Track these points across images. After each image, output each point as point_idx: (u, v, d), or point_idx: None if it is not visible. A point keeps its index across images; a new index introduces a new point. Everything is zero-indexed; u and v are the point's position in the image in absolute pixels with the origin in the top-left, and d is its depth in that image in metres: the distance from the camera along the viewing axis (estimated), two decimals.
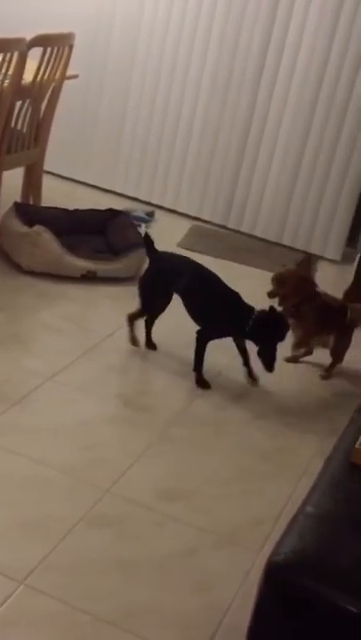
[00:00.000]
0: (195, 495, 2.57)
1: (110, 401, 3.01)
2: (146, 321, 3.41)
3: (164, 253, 3.41)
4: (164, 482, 2.61)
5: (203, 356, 3.23)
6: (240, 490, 2.65)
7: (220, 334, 3.24)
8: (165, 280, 3.33)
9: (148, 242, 3.35)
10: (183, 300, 3.28)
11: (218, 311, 3.23)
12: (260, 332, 3.11)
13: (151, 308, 3.38)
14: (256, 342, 3.15)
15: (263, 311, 3.13)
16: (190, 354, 3.29)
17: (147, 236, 3.39)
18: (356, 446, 1.98)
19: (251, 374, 3.29)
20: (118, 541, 2.31)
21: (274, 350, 3.14)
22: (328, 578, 1.59)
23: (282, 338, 3.16)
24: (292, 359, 3.51)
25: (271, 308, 3.15)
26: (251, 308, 3.15)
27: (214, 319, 3.24)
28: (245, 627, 1.69)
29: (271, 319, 3.12)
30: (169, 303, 3.36)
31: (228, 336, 3.24)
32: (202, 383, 3.24)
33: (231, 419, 3.07)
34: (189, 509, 2.50)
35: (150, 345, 3.44)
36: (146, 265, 4.09)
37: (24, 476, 2.50)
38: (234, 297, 3.21)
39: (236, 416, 3.10)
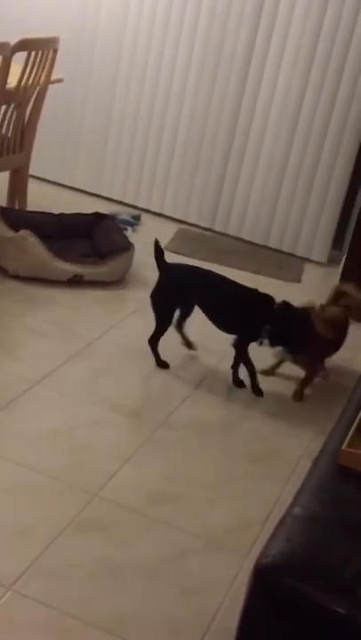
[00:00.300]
0: (183, 499, 2.57)
1: (97, 405, 3.00)
2: (177, 329, 3.40)
3: (175, 264, 3.38)
4: (152, 485, 2.60)
5: (243, 360, 3.25)
6: (228, 493, 2.65)
7: (250, 333, 3.21)
8: (179, 291, 3.32)
9: (158, 252, 3.27)
10: (202, 309, 3.28)
11: (240, 312, 3.23)
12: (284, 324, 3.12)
13: (167, 322, 3.33)
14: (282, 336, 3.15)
15: (284, 304, 3.16)
16: (178, 357, 3.28)
17: (157, 245, 3.28)
18: (343, 448, 1.99)
19: (256, 387, 3.29)
20: (107, 546, 2.30)
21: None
22: (316, 579, 1.60)
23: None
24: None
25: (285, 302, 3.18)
26: (270, 302, 3.16)
27: (238, 321, 3.24)
28: (235, 630, 1.69)
29: (293, 314, 3.14)
30: (191, 311, 3.35)
31: (257, 334, 3.18)
32: (237, 383, 3.29)
33: (218, 421, 3.08)
34: (177, 513, 2.49)
35: (189, 345, 3.46)
36: (132, 268, 4.12)
37: (11, 482, 2.49)
38: (251, 294, 3.21)
39: (222, 419, 3.10)
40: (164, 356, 3.36)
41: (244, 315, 3.22)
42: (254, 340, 3.20)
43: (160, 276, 3.30)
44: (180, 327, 3.42)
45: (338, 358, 3.52)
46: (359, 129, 4.66)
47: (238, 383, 3.30)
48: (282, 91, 4.71)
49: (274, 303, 3.17)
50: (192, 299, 3.31)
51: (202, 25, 4.75)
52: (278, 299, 3.23)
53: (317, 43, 4.56)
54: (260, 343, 3.18)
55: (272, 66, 4.70)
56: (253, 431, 3.04)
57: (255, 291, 3.24)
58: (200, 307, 3.30)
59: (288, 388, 3.37)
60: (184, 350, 3.50)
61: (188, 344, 3.47)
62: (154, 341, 3.33)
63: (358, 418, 2.14)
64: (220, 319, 3.25)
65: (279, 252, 4.96)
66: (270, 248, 4.99)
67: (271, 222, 4.96)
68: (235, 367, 3.29)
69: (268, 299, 3.20)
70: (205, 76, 4.85)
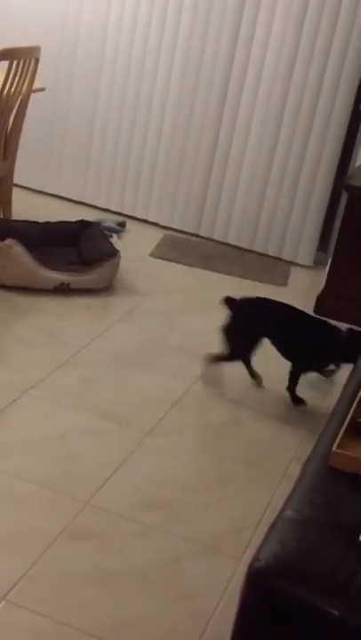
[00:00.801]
0: (174, 504, 2.57)
1: (87, 413, 3.00)
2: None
3: (245, 300, 3.34)
4: (144, 492, 2.60)
5: (296, 381, 3.29)
6: (220, 497, 2.66)
7: (321, 362, 3.23)
8: (250, 326, 3.29)
9: (229, 303, 3.25)
10: (272, 342, 3.26)
11: (313, 346, 3.23)
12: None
13: (240, 354, 3.32)
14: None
15: (351, 331, 3.18)
16: (164, 363, 3.28)
17: (228, 300, 3.26)
18: (334, 449, 2.00)
19: (294, 397, 3.32)
20: (99, 553, 2.30)
21: None
22: (309, 582, 1.60)
23: None
24: None
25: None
26: (341, 332, 3.18)
27: (311, 354, 3.25)
28: (230, 634, 1.69)
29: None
30: (260, 344, 3.30)
31: (327, 361, 3.21)
32: (297, 401, 3.31)
33: (208, 426, 3.08)
34: (170, 519, 2.50)
35: (256, 378, 3.41)
36: (119, 274, 4.12)
37: (1, 491, 2.48)
38: (325, 328, 3.23)
39: (213, 423, 3.10)
40: (154, 361, 3.36)
41: (316, 345, 3.23)
42: (323, 367, 3.22)
43: (231, 314, 3.26)
44: (248, 360, 3.38)
45: None
46: (341, 132, 4.69)
47: (298, 401, 3.32)
48: (264, 96, 4.73)
49: (340, 331, 3.20)
50: (263, 333, 3.27)
51: (183, 31, 4.76)
52: None
53: (298, 45, 4.58)
54: (326, 369, 3.22)
55: (252, 78, 4.72)
56: (243, 435, 3.05)
57: (325, 322, 3.27)
58: (270, 340, 3.26)
59: (277, 392, 3.38)
60: (173, 356, 3.51)
61: (255, 377, 3.41)
62: (215, 359, 3.30)
63: (348, 419, 2.15)
64: (291, 350, 3.26)
65: (265, 255, 4.98)
66: (256, 252, 5.01)
67: (256, 226, 4.98)
68: (292, 389, 3.31)
69: (336, 328, 3.22)
70: (188, 83, 4.86)
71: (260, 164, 4.85)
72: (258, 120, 4.79)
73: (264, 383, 3.41)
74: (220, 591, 2.23)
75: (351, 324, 4.06)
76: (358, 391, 2.35)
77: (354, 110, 4.67)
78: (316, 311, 4.24)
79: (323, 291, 4.30)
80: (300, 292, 4.52)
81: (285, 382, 3.33)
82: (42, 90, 4.45)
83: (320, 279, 4.47)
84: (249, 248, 5.03)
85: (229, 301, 3.27)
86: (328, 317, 4.17)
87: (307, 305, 4.31)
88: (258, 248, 5.01)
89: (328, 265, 4.43)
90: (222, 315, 3.25)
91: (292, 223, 4.89)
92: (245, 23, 4.64)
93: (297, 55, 4.60)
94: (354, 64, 4.54)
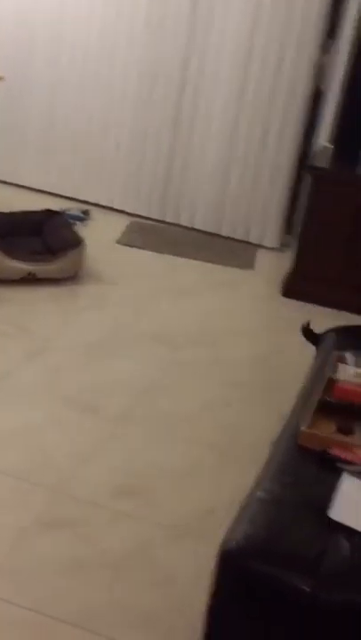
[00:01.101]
0: (146, 490, 2.57)
1: (56, 402, 2.99)
2: None
3: (327, 332, 3.15)
4: (115, 479, 2.60)
5: None
6: (191, 482, 2.66)
7: None
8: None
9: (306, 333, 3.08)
10: None
11: None
12: None
13: None
14: None
15: None
16: (133, 350, 3.26)
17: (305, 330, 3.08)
18: (302, 429, 2.01)
19: None
20: (73, 542, 2.30)
21: None
22: (281, 560, 1.61)
23: None
24: None
25: None
26: None
27: None
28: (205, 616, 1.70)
29: None
30: None
31: None
32: None
33: (179, 412, 3.08)
34: (142, 505, 2.50)
35: None
36: (86, 263, 4.10)
37: None
38: None
39: (183, 409, 3.10)
40: (120, 350, 3.35)
41: None
42: None
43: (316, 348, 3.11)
44: None
45: (293, 341, 3.55)
46: (302, 113, 4.69)
47: None
48: (224, 81, 4.71)
49: None
50: None
51: (140, 19, 4.73)
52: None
53: (254, 34, 4.57)
54: None
55: (211, 64, 4.70)
56: (214, 420, 3.06)
57: None
58: None
59: (246, 374, 3.39)
60: (142, 343, 3.50)
61: None
62: None
63: (315, 399, 2.17)
64: None
65: (232, 240, 4.98)
66: (223, 236, 5.01)
67: (222, 211, 4.98)
68: None
69: None
70: (147, 71, 4.83)
71: (222, 148, 4.85)
72: (219, 105, 4.77)
73: (230, 371, 3.41)
74: (195, 574, 2.24)
75: (319, 305, 4.11)
76: (325, 371, 2.37)
77: (316, 92, 4.68)
78: (284, 293, 4.27)
79: (290, 273, 4.32)
80: (268, 274, 4.53)
81: (253, 366, 3.33)
82: (0, 79, 4.40)
83: (287, 261, 4.48)
84: (216, 232, 5.02)
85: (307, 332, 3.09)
86: (296, 299, 4.21)
87: (274, 287, 4.33)
88: (225, 232, 5.01)
89: (295, 247, 4.44)
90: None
91: (258, 206, 4.90)
92: (202, 5, 4.62)
93: (254, 38, 4.59)
94: (312, 43, 4.54)
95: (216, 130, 4.83)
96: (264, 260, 4.79)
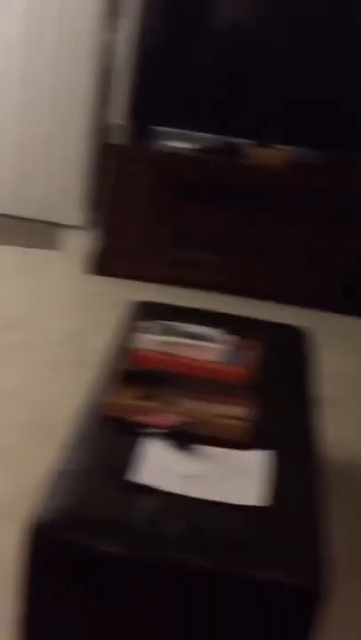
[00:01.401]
0: None
1: None
2: None
3: None
4: None
5: None
6: (3, 464, 2.63)
7: None
8: None
9: None
10: None
11: None
12: None
13: None
14: None
15: None
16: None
17: None
18: (104, 399, 2.04)
19: None
20: None
21: None
22: (88, 527, 1.65)
23: None
24: None
25: None
26: None
27: None
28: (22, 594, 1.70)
29: None
30: None
31: None
32: None
33: None
34: None
35: None
36: None
37: None
38: None
39: None
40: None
41: None
42: None
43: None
44: None
45: (105, 316, 3.57)
46: (92, 91, 4.69)
47: None
48: (3, 59, 4.63)
49: None
50: None
51: None
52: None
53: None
54: None
55: None
56: (27, 402, 3.03)
57: None
58: None
59: (57, 353, 3.38)
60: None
61: None
62: None
63: (117, 368, 2.20)
64: None
65: (34, 221, 4.92)
66: (24, 218, 4.93)
67: (21, 194, 4.89)
68: None
69: None
70: None
71: (12, 130, 4.75)
72: (3, 86, 4.67)
73: (41, 346, 3.40)
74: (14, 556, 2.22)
75: (131, 280, 4.16)
76: (125, 341, 2.41)
77: (105, 70, 4.70)
78: (92, 271, 4.28)
79: (98, 250, 4.33)
80: (73, 254, 4.53)
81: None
82: None
83: (94, 239, 4.49)
84: (17, 215, 4.93)
85: None
86: (105, 275, 4.24)
87: (82, 265, 4.34)
88: (26, 213, 4.92)
89: (102, 224, 4.42)
90: None
91: (54, 186, 4.85)
92: None
93: (32, 19, 4.53)
94: (96, 11, 4.54)
95: (1, 112, 4.72)
96: (70, 239, 4.78)
